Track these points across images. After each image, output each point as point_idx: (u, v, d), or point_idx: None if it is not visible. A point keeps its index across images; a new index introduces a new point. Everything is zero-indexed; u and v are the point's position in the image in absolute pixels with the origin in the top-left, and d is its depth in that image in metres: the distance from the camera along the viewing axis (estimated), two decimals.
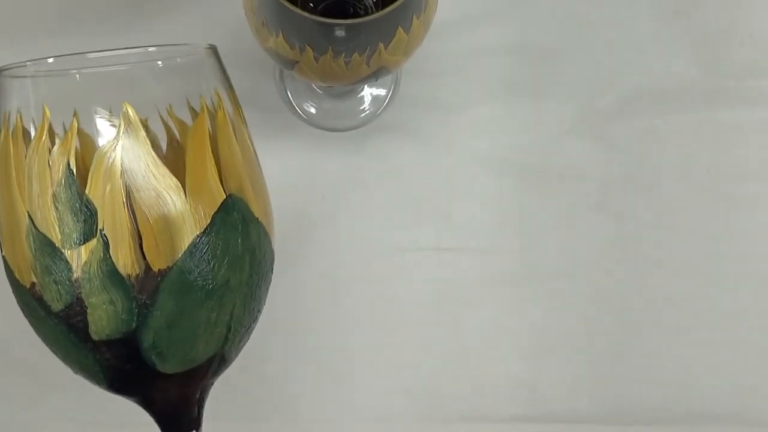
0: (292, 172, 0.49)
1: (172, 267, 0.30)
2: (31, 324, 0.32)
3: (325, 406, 0.48)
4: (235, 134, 0.32)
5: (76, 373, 0.32)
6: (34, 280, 0.30)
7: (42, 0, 0.50)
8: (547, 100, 0.50)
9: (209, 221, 0.30)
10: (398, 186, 0.49)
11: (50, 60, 0.30)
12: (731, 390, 0.48)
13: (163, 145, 0.32)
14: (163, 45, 0.31)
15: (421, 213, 0.49)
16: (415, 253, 0.49)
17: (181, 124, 0.32)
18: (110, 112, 0.29)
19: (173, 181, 0.30)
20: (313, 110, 0.51)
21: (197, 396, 0.33)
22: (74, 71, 0.29)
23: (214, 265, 0.30)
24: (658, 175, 0.49)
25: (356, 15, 0.44)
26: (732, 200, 0.49)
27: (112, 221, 0.29)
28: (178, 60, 0.31)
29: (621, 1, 0.50)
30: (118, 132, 0.29)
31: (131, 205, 0.29)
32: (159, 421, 0.33)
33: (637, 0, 0.50)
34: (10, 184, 0.30)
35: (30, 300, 0.30)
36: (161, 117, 0.31)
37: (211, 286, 0.30)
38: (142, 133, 0.29)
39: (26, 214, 0.29)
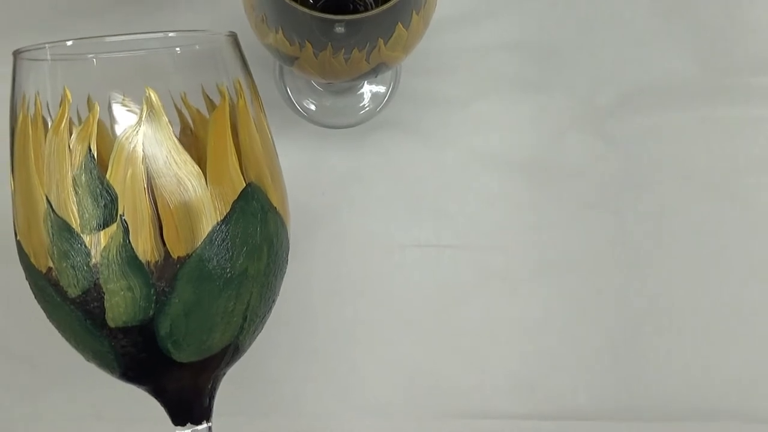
0: (292, 169, 0.47)
1: (191, 255, 0.29)
2: (45, 310, 0.31)
3: (325, 402, 0.47)
4: (255, 123, 0.32)
5: (88, 360, 0.32)
6: (51, 265, 0.29)
7: None
8: (548, 97, 0.50)
9: (229, 209, 0.30)
10: (398, 183, 0.49)
11: (69, 43, 0.30)
12: (730, 386, 0.48)
13: (176, 132, 0.31)
14: (183, 30, 0.31)
15: (421, 210, 0.49)
16: (415, 249, 0.49)
17: (196, 112, 0.32)
18: (125, 97, 0.29)
19: (194, 168, 0.29)
20: (312, 107, 0.51)
21: (209, 386, 0.33)
22: (91, 56, 0.29)
23: (233, 253, 0.30)
24: (658, 172, 0.49)
25: (356, 11, 0.44)
26: (732, 196, 0.49)
27: (133, 207, 0.29)
28: (197, 47, 0.31)
29: None
30: (141, 117, 0.29)
31: (152, 191, 0.29)
32: (170, 411, 0.33)
33: None
34: (29, 167, 0.29)
35: (45, 285, 0.30)
36: (175, 104, 0.31)
37: (229, 275, 0.30)
38: (164, 118, 0.29)
39: (44, 197, 0.29)
